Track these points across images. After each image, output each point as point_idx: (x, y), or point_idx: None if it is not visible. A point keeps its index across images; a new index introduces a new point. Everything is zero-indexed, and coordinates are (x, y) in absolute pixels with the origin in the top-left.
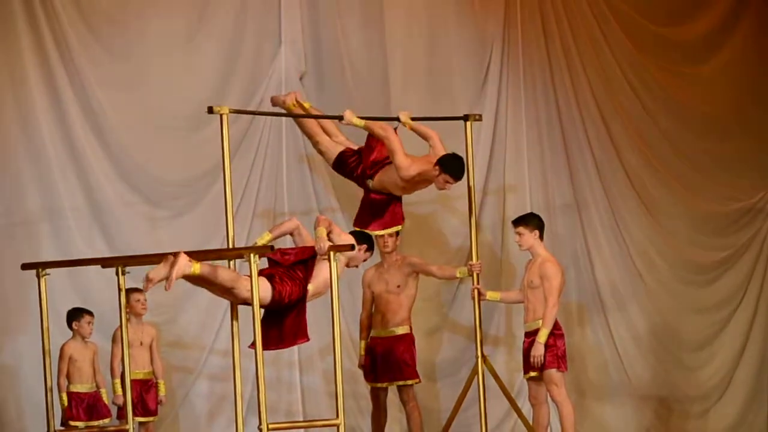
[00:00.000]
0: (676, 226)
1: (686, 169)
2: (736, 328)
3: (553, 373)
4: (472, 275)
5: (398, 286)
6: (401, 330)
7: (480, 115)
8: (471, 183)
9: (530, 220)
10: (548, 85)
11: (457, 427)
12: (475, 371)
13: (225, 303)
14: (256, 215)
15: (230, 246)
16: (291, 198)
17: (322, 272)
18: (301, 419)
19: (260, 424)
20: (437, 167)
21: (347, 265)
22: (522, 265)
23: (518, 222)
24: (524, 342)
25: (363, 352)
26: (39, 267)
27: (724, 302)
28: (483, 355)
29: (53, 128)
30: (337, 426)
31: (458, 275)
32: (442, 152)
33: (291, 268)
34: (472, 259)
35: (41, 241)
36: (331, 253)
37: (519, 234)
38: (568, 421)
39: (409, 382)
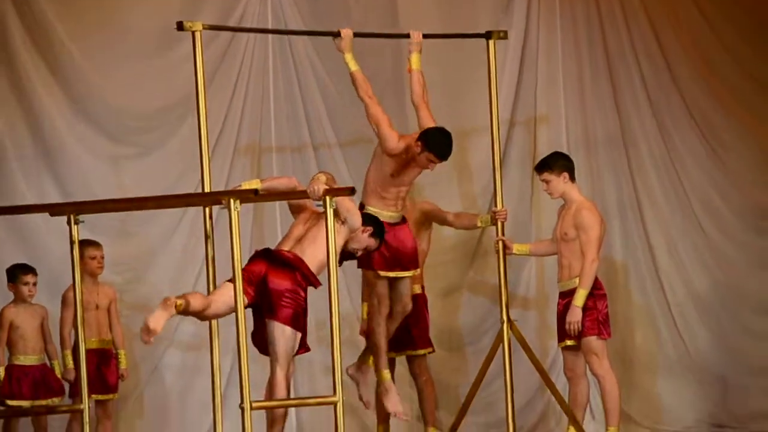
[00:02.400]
0: (743, 163)
1: (755, 92)
2: None
3: (592, 341)
4: (496, 224)
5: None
6: (417, 289)
7: (506, 32)
8: (494, 113)
9: (555, 163)
10: None
11: (478, 405)
12: (500, 339)
13: (199, 258)
14: (238, 153)
15: (206, 189)
16: (279, 132)
17: (319, 238)
18: (292, 396)
19: (242, 401)
20: (419, 143)
21: (345, 247)
22: (556, 210)
23: (541, 168)
24: (558, 304)
25: (366, 316)
26: None
27: None
28: (509, 320)
29: None
30: (335, 404)
31: (479, 224)
32: (431, 124)
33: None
34: (495, 205)
35: None
36: (327, 199)
37: (545, 182)
38: (612, 398)
39: (421, 351)
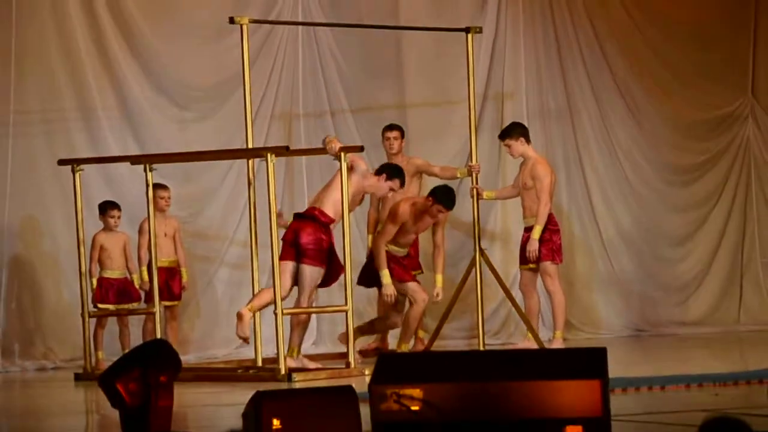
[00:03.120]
0: (660, 131)
1: (670, 77)
2: (713, 226)
3: (548, 265)
4: (471, 175)
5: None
6: None
7: (480, 28)
8: (471, 90)
9: (513, 131)
10: (545, 1)
11: (455, 313)
12: (473, 263)
13: (243, 200)
14: (274, 118)
15: (249, 146)
16: (306, 102)
17: (332, 185)
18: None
19: (275, 309)
20: (430, 198)
21: (366, 191)
22: (518, 165)
23: (503, 136)
24: (522, 237)
25: (371, 245)
26: (74, 163)
27: (702, 202)
28: (481, 249)
29: (86, 35)
30: (346, 312)
31: (459, 175)
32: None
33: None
34: (471, 161)
35: (76, 139)
36: (342, 154)
37: (507, 146)
38: (560, 309)
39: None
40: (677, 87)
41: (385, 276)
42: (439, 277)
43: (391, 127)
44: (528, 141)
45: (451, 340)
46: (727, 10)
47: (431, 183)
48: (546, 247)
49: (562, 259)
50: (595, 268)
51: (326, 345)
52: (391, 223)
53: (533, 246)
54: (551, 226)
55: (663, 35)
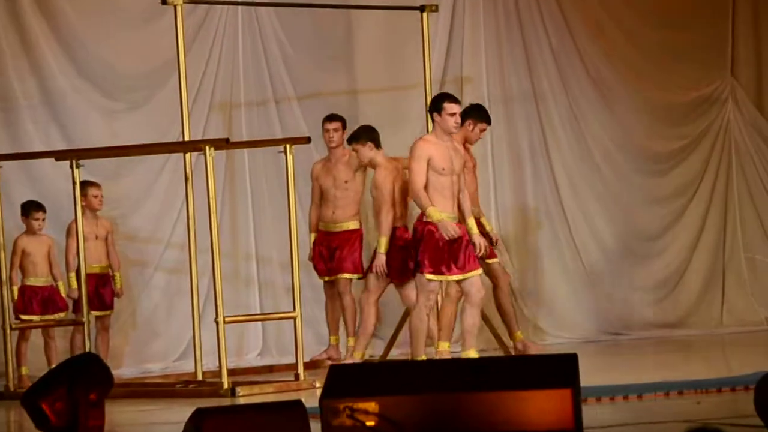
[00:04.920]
0: (633, 116)
1: (643, 59)
2: (691, 218)
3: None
4: None
5: (346, 182)
6: (352, 225)
7: (436, 6)
8: (427, 74)
9: (361, 135)
10: None
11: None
12: None
13: (180, 197)
14: (213, 107)
15: (186, 139)
16: (248, 90)
17: None
18: (258, 312)
19: (216, 316)
20: (470, 121)
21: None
22: (476, 149)
23: (350, 140)
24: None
25: (312, 245)
26: None
27: (679, 192)
28: None
29: (4, 19)
30: (294, 318)
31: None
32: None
33: None
34: None
35: None
36: (287, 146)
37: (355, 151)
38: (363, 327)
39: (355, 276)
40: (650, 68)
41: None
42: (470, 221)
43: (330, 118)
44: (378, 146)
45: (408, 348)
46: None
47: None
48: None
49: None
50: (565, 267)
51: (272, 355)
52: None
53: (379, 261)
54: (396, 241)
55: (634, 12)
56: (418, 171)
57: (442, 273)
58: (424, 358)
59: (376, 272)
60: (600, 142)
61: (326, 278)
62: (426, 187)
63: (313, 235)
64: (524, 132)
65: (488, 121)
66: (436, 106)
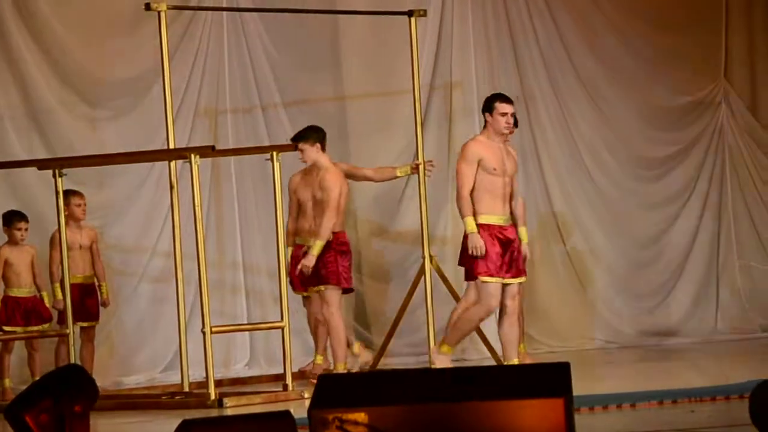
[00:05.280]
0: (625, 120)
1: (635, 63)
2: (685, 224)
3: (330, 290)
4: (416, 173)
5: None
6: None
7: (425, 11)
8: (416, 79)
9: (308, 135)
10: None
11: (404, 328)
12: (421, 272)
13: (165, 205)
14: (198, 115)
15: (171, 146)
16: (233, 97)
17: None
18: (246, 322)
19: (203, 326)
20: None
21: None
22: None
23: (296, 138)
24: (293, 252)
25: (289, 259)
26: None
27: (673, 197)
28: (430, 256)
29: None
30: (282, 328)
31: (399, 174)
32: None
33: None
34: (418, 158)
35: None
36: (274, 154)
37: (301, 150)
38: (335, 339)
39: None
40: (643, 72)
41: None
42: (524, 230)
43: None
44: (323, 149)
45: (399, 358)
46: None
47: (372, 183)
48: (329, 269)
49: (351, 285)
50: (556, 274)
51: (260, 366)
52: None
53: (309, 262)
54: (339, 246)
55: (627, 16)
56: (467, 174)
57: (498, 275)
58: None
59: (301, 272)
60: (591, 148)
61: (303, 293)
62: (474, 188)
63: (289, 249)
64: (514, 137)
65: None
66: (488, 105)
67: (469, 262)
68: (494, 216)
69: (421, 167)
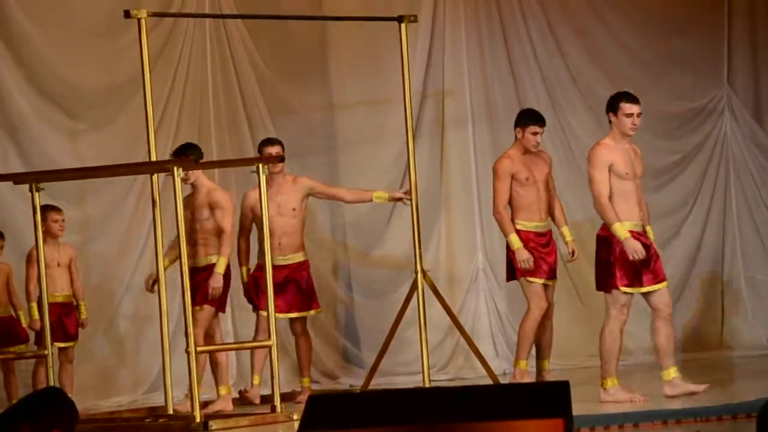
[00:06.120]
0: None
1: (634, 69)
2: (688, 235)
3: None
4: (393, 202)
5: (293, 209)
6: (300, 257)
7: (415, 16)
8: (407, 87)
9: (191, 152)
10: None
11: (396, 346)
12: (414, 287)
13: (147, 220)
14: (181, 126)
15: (152, 159)
16: (217, 107)
17: None
18: (232, 341)
19: (187, 346)
20: (517, 129)
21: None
22: (460, 171)
23: (177, 155)
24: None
25: (246, 279)
26: None
27: (675, 208)
28: (423, 270)
29: None
30: (270, 347)
31: (375, 199)
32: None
33: None
34: (410, 168)
35: None
36: (260, 166)
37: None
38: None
39: (313, 312)
40: (643, 79)
41: (515, 240)
42: (566, 230)
43: (271, 142)
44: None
45: (391, 377)
46: None
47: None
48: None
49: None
50: (556, 289)
51: (247, 386)
52: (499, 182)
53: (217, 283)
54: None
55: (625, 20)
56: (601, 180)
57: (635, 285)
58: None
59: (211, 294)
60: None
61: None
62: (609, 196)
63: (245, 269)
64: (510, 145)
65: (536, 121)
66: (612, 105)
67: (607, 272)
68: (630, 222)
69: (412, 175)
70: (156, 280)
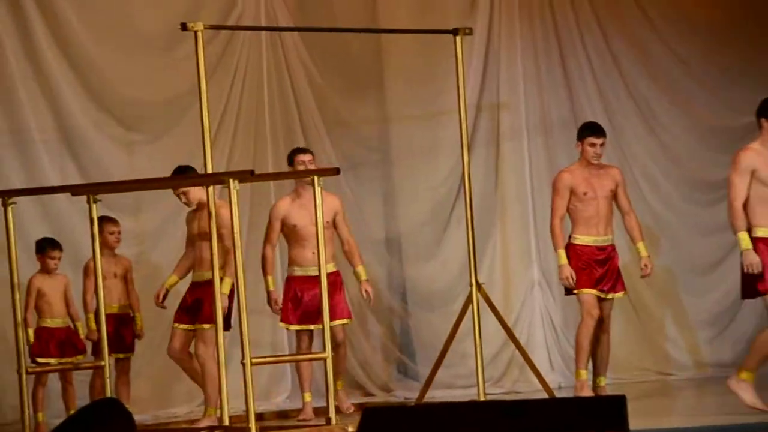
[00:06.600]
0: (680, 142)
1: (691, 81)
2: None
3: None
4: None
5: (327, 222)
6: (331, 267)
7: (470, 29)
8: (462, 99)
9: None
10: None
11: (451, 358)
12: (469, 300)
13: None
14: (237, 138)
15: (209, 171)
16: (273, 120)
17: None
18: (287, 353)
19: (243, 358)
20: (578, 143)
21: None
22: (516, 185)
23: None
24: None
25: (273, 287)
26: (4, 195)
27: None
28: (478, 283)
29: (17, 45)
30: (324, 360)
31: (359, 275)
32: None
33: None
34: (465, 180)
35: (6, 167)
36: (316, 178)
37: (183, 194)
38: (209, 382)
39: (345, 321)
40: (699, 92)
41: (561, 256)
42: (641, 245)
43: (303, 151)
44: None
45: (446, 390)
46: (751, 6)
47: (421, 208)
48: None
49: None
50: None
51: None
52: (557, 196)
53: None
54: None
55: (681, 33)
56: (739, 186)
57: None
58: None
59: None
60: (646, 170)
61: (307, 327)
62: (748, 200)
63: (271, 278)
64: (564, 160)
65: (592, 132)
66: (764, 111)
67: (748, 280)
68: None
69: (467, 187)
70: (166, 296)
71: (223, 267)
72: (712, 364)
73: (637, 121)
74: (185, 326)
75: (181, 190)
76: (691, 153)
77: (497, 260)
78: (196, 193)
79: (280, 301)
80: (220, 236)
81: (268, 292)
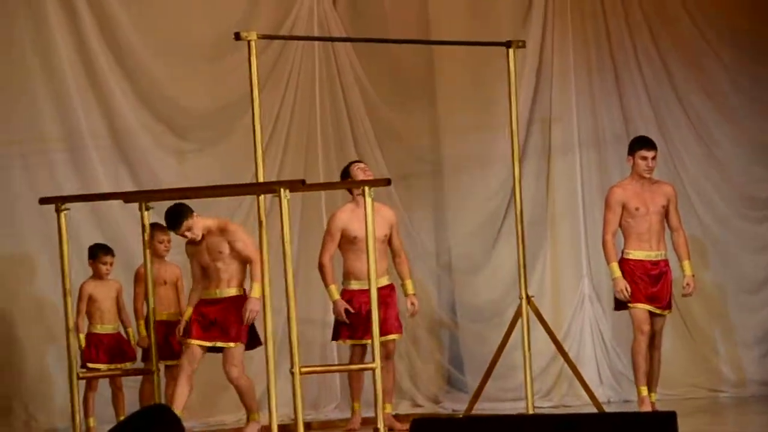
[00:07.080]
0: (733, 158)
1: (743, 96)
2: None
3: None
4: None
5: (385, 235)
6: (385, 281)
7: (524, 42)
8: (513, 112)
9: (182, 214)
10: (597, 10)
11: (500, 371)
12: (519, 313)
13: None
14: (288, 147)
15: (260, 180)
16: (325, 130)
17: None
18: (336, 363)
19: (292, 366)
20: (629, 157)
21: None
22: (566, 198)
23: (174, 228)
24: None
25: (338, 296)
26: (58, 201)
27: None
28: (527, 296)
29: (72, 53)
30: (374, 370)
31: (407, 288)
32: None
33: None
34: (516, 193)
35: (60, 173)
36: (366, 189)
37: (188, 231)
38: (246, 396)
39: (391, 337)
40: (752, 110)
41: (614, 269)
42: (686, 264)
43: (360, 163)
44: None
45: (495, 402)
46: None
47: (471, 218)
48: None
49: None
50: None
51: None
52: (609, 211)
53: (254, 305)
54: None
55: (734, 47)
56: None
57: None
58: None
59: (248, 318)
60: (698, 185)
61: (363, 341)
62: None
63: (335, 287)
64: (617, 175)
65: (642, 145)
66: None
67: None
68: None
69: (517, 200)
70: (186, 328)
71: (241, 280)
72: (761, 382)
73: (688, 135)
74: (206, 343)
75: (187, 226)
76: (742, 168)
77: (547, 273)
78: (199, 222)
79: (349, 307)
80: (237, 252)
81: (335, 302)
